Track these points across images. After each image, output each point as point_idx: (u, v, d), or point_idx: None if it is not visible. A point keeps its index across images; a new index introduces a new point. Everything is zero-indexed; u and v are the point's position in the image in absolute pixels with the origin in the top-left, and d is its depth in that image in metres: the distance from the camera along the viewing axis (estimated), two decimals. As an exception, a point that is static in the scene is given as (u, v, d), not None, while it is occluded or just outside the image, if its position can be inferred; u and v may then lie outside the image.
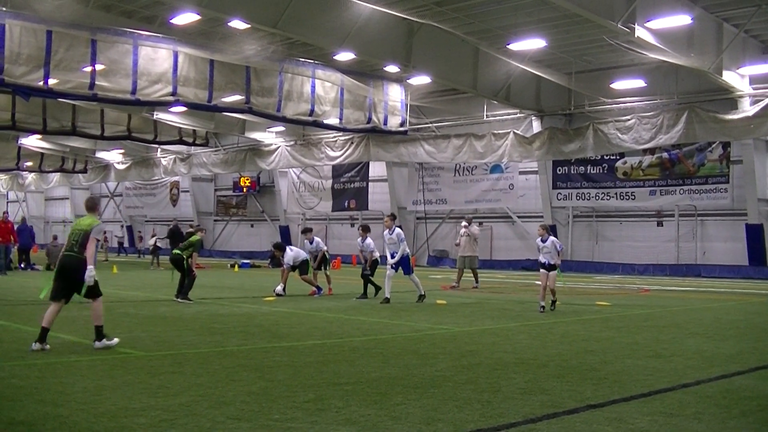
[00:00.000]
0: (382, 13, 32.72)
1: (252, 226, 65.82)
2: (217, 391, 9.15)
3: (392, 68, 39.71)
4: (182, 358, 11.67)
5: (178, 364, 11.07)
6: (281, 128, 52.84)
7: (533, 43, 33.43)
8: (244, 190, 63.60)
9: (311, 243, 26.14)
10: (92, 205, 13.55)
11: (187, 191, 69.78)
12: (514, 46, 33.90)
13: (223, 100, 37.44)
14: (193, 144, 57.05)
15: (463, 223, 31.56)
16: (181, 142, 55.56)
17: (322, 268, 26.12)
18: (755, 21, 32.56)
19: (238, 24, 33.13)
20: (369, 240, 25.08)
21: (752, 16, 31.84)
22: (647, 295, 27.15)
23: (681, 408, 8.65)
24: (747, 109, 35.66)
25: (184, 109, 42.99)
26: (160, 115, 48.67)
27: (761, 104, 35.01)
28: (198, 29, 35.68)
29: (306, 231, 27.66)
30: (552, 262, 20.24)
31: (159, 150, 65.31)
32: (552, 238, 20.47)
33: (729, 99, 36.34)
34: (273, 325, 16.24)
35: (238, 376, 10.19)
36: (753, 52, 35.25)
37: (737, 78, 35.20)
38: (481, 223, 31.56)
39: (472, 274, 30.62)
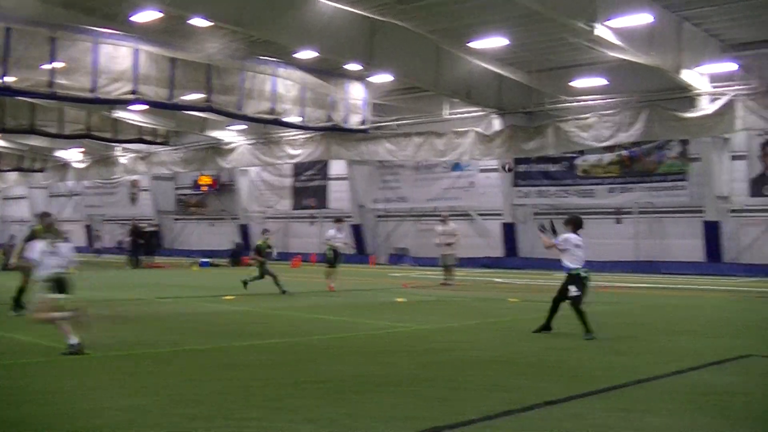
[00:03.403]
0: (344, 12, 32.70)
1: (212, 224, 65.50)
2: (176, 390, 9.12)
3: (354, 66, 39.67)
4: (140, 359, 11.63)
5: (136, 365, 11.03)
6: (242, 126, 52.64)
7: (495, 42, 33.49)
8: (204, 188, 63.23)
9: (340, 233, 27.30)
10: None
11: (147, 190, 69.33)
12: (476, 45, 33.96)
13: (184, 98, 37.27)
14: (154, 143, 56.80)
15: (440, 222, 31.66)
16: (141, 140, 55.31)
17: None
18: (715, 20, 32.80)
19: (199, 22, 32.97)
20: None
21: (712, 16, 32.07)
22: (606, 292, 27.26)
23: (637, 403, 8.73)
24: (706, 107, 35.92)
25: (144, 107, 42.77)
26: (120, 114, 48.41)
27: (720, 103, 35.28)
28: (159, 27, 35.42)
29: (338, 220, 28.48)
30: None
31: (119, 149, 64.85)
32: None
33: (688, 97, 36.55)
34: (233, 325, 16.22)
35: (197, 375, 10.16)
36: (712, 51, 35.48)
37: (696, 77, 35.44)
38: (444, 221, 31.48)
39: (443, 271, 30.58)
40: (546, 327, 15.05)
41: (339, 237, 26.78)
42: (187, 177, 65.28)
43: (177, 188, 68.26)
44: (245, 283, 24.94)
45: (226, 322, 16.64)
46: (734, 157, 38.63)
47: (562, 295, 15.14)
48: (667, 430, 7.57)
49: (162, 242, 63.30)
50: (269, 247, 26.38)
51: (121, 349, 12.45)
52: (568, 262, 15.07)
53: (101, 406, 8.29)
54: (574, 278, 14.93)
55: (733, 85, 35.54)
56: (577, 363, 11.55)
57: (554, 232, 15.68)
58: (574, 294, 14.73)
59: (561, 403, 8.70)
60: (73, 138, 52.91)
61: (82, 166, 70.51)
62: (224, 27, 33.60)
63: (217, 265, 46.01)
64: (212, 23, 32.93)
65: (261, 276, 24.97)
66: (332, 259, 26.64)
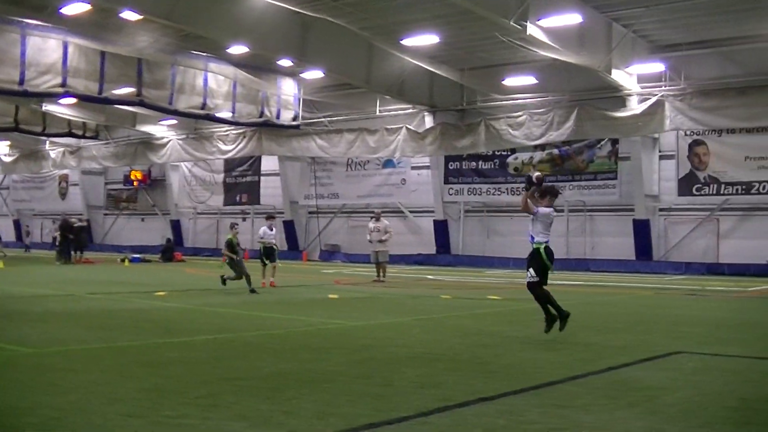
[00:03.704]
0: (276, 7, 32.60)
1: (143, 220, 65.02)
2: (108, 387, 9.01)
3: (286, 62, 39.63)
4: (72, 355, 11.48)
5: (68, 361, 10.88)
6: (173, 121, 52.31)
7: (427, 39, 33.63)
8: (135, 183, 62.73)
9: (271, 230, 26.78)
10: None
11: (77, 185, 68.55)
12: (408, 42, 34.05)
13: (115, 92, 36.95)
14: (83, 137, 56.19)
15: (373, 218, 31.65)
16: (70, 134, 54.71)
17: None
18: (644, 21, 33.19)
19: (130, 15, 32.70)
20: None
21: (641, 17, 32.46)
22: (537, 290, 27.46)
23: (570, 399, 8.78)
24: (635, 107, 36.42)
25: (74, 100, 42.35)
26: (49, 107, 47.82)
27: (648, 102, 35.80)
28: (89, 19, 35.03)
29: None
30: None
31: (48, 142, 64.06)
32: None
33: (618, 97, 37.02)
34: (165, 321, 16.07)
35: (130, 372, 10.05)
36: (641, 51, 35.93)
37: (626, 77, 35.88)
38: (376, 217, 31.49)
39: (375, 268, 30.58)
40: (551, 319, 13.98)
41: (271, 234, 26.68)
42: (117, 172, 64.72)
43: (107, 183, 67.65)
44: (223, 280, 24.01)
45: (158, 318, 16.49)
46: (663, 157, 39.27)
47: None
48: (600, 427, 7.63)
49: (92, 238, 62.62)
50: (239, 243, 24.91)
51: (51, 346, 12.28)
52: (535, 234, 14.03)
53: (33, 403, 8.16)
54: (535, 256, 13.97)
55: (662, 86, 36.12)
56: (511, 360, 11.60)
57: (535, 184, 14.26)
58: (531, 279, 13.93)
59: (495, 399, 8.73)
60: (0, 131, 52.16)
61: (9, 159, 69.60)
62: (155, 21, 33.35)
63: (148, 261, 45.62)
64: (143, 17, 32.64)
65: (240, 276, 23.70)
66: (265, 256, 26.46)
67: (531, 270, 13.94)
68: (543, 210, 13.93)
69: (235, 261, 23.78)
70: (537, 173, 14.10)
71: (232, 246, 23.88)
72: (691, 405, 8.66)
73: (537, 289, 13.92)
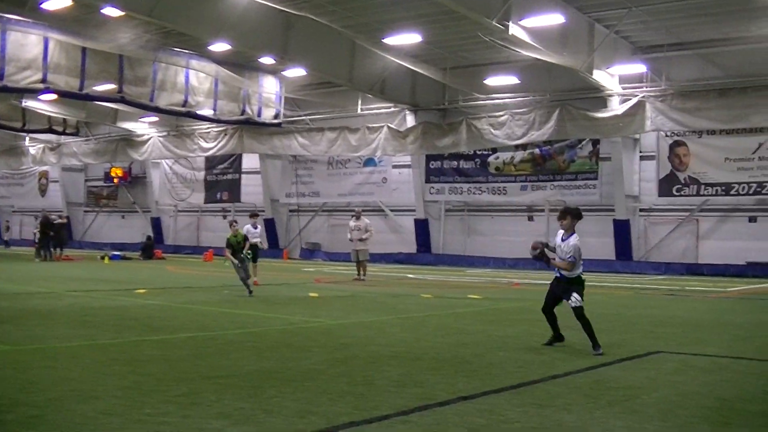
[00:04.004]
0: (258, 5, 32.54)
1: (123, 217, 64.79)
2: (88, 385, 8.99)
3: (268, 60, 39.55)
4: (53, 352, 11.46)
5: (48, 359, 10.86)
6: (154, 118, 52.15)
7: (409, 38, 33.64)
8: (116, 180, 62.45)
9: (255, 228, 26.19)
10: None
11: (57, 181, 68.25)
12: (391, 41, 34.05)
13: (95, 88, 36.84)
14: (63, 133, 55.95)
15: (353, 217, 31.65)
16: (50, 131, 54.47)
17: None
18: (626, 22, 33.26)
19: (111, 11, 32.52)
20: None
21: (623, 18, 32.51)
22: (518, 289, 27.54)
23: (551, 399, 8.82)
24: (616, 107, 36.53)
25: (54, 96, 42.10)
26: (29, 103, 47.64)
27: (630, 103, 35.92)
28: (70, 15, 34.87)
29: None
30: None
31: (27, 138, 63.77)
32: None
33: (599, 97, 37.12)
34: (146, 318, 16.05)
35: (110, 370, 10.04)
36: (623, 52, 36.05)
37: (607, 77, 35.99)
38: (357, 216, 31.50)
39: (356, 267, 30.57)
40: (557, 338, 13.20)
41: (254, 232, 26.60)
42: (98, 168, 64.48)
43: (87, 180, 67.38)
44: (249, 291, 22.15)
45: (139, 316, 16.46)
46: (644, 157, 39.40)
47: (555, 302, 13.23)
48: (580, 426, 7.67)
49: (72, 235, 62.41)
50: (242, 241, 22.78)
51: (31, 343, 12.25)
52: (577, 269, 13.09)
53: (13, 400, 8.15)
54: (580, 283, 13.08)
55: (643, 87, 36.27)
56: (491, 359, 11.64)
57: (546, 251, 13.39)
58: (578, 304, 12.70)
59: (475, 398, 8.76)
60: (-20, 127, 52.00)
61: (-12, 155, 69.22)
62: (137, 17, 33.21)
63: (128, 258, 45.47)
64: (124, 13, 32.51)
65: (245, 276, 22.31)
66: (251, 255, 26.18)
67: (576, 295, 12.88)
68: (571, 245, 12.97)
69: (233, 262, 22.36)
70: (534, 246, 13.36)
71: (230, 245, 22.39)
72: (670, 405, 8.71)
73: (582, 312, 12.78)
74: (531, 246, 13.28)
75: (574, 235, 13.01)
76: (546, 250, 13.38)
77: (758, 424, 7.92)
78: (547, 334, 13.29)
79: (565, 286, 13.04)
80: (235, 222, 24.24)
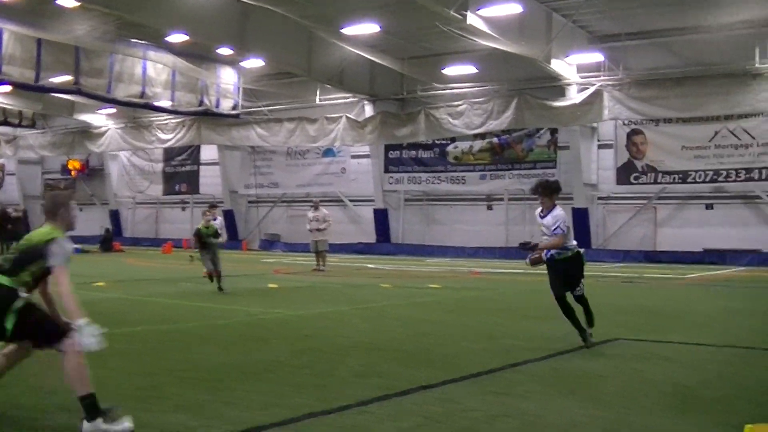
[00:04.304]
0: (215, -5, 32.44)
1: (81, 210, 63.68)
2: (46, 380, 8.86)
3: (226, 51, 39.35)
4: (8, 347, 11.31)
5: (3, 353, 10.72)
6: (112, 110, 51.76)
7: (367, 28, 33.55)
8: (73, 173, 61.86)
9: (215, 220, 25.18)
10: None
11: (13, 174, 67.58)
12: (348, 31, 33.95)
13: (52, 80, 36.52)
14: (20, 125, 55.36)
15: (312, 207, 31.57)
16: (6, 123, 53.87)
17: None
18: (583, 12, 33.39)
19: (67, 2, 32.19)
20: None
21: (580, 7, 32.65)
22: (478, 278, 27.59)
23: (511, 387, 8.83)
24: (574, 96, 36.68)
25: (9, 88, 41.70)
26: (-17, 95, 47.15)
27: (587, 92, 36.07)
28: (25, 6, 34.49)
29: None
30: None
31: (-18, 131, 63.20)
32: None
33: (557, 87, 37.24)
34: (105, 312, 15.86)
35: (67, 363, 9.92)
36: (580, 41, 36.19)
37: (565, 66, 36.11)
38: (316, 206, 31.44)
39: (315, 257, 30.47)
40: (582, 329, 11.76)
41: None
42: (55, 161, 63.85)
43: (45, 173, 66.67)
44: (219, 287, 20.79)
45: (97, 309, 16.18)
46: (602, 146, 39.58)
47: (566, 287, 11.76)
48: (540, 414, 7.67)
49: (29, 228, 61.82)
50: (212, 234, 21.60)
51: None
52: (568, 241, 12.03)
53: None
54: (581, 262, 12.06)
55: (600, 76, 36.41)
56: (450, 348, 11.64)
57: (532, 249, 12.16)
58: (581, 293, 11.76)
59: (435, 387, 8.75)
60: (-66, 120, 51.44)
61: (-56, 148, 68.40)
62: (93, 8, 32.92)
63: (87, 251, 45.09)
64: (80, 4, 32.20)
65: (213, 274, 21.00)
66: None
67: (582, 282, 11.81)
68: (555, 216, 11.88)
69: (202, 254, 21.35)
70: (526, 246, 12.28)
71: (200, 236, 21.35)
72: (630, 391, 8.74)
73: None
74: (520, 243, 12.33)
75: (557, 207, 11.95)
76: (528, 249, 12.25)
77: (717, 409, 7.95)
78: (506, 324, 13.28)
79: (564, 267, 11.81)
80: (207, 212, 22.83)
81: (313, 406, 7.76)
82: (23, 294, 7.00)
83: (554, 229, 11.69)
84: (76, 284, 20.01)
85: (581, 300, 11.79)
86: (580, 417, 7.56)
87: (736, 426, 7.12)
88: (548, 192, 11.99)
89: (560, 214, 11.78)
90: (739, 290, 23.61)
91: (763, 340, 12.86)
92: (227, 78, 43.31)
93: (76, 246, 37.69)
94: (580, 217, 38.73)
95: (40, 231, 7.38)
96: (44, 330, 6.87)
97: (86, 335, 6.79)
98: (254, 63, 40.94)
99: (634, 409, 7.93)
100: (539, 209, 12.15)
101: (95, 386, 6.93)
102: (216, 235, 21.86)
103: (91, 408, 6.81)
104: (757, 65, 33.13)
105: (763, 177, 35.23)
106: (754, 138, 35.49)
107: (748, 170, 35.52)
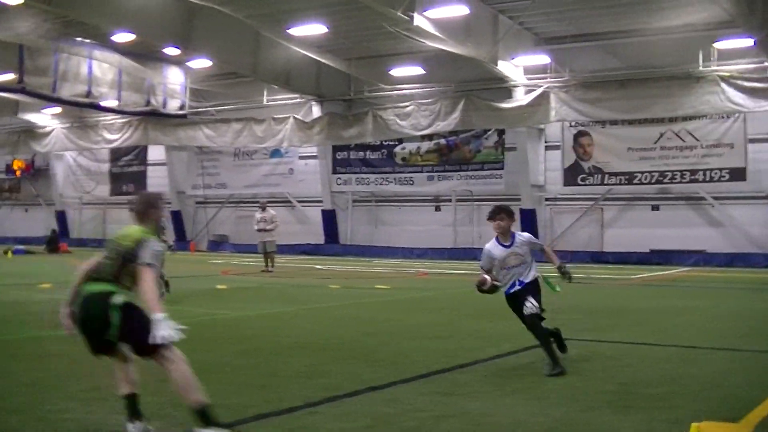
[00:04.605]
0: (161, -6, 32.27)
1: (26, 210, 63.59)
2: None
3: (172, 50, 39.13)
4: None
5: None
6: (57, 110, 51.30)
7: (314, 29, 33.55)
8: (18, 173, 61.25)
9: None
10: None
11: (-44, 174, 66.90)
12: (295, 31, 33.92)
13: (-6, 78, 36.14)
14: (-38, 125, 54.81)
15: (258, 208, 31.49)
16: (-52, 122, 53.33)
17: None
18: (529, 14, 33.57)
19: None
20: None
21: (526, 9, 32.83)
22: (425, 279, 27.69)
23: (458, 387, 8.89)
24: (521, 98, 36.88)
25: (-49, 87, 41.22)
26: (-76, 95, 46.53)
27: (534, 94, 36.28)
28: (-34, 4, 34.19)
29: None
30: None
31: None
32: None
33: (504, 88, 37.43)
34: (48, 313, 15.67)
35: (10, 367, 9.87)
36: (527, 43, 36.38)
37: (512, 68, 36.32)
38: (263, 207, 31.40)
39: (263, 258, 30.41)
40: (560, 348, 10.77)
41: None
42: (-1, 161, 63.20)
43: (-12, 172, 65.99)
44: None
45: (42, 310, 16.16)
46: (549, 147, 39.80)
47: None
48: (487, 413, 7.74)
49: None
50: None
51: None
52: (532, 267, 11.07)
53: None
54: (536, 284, 11.01)
55: (547, 78, 36.66)
56: (397, 349, 11.68)
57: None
58: (534, 310, 10.54)
59: (382, 388, 8.79)
60: None
61: None
62: (36, 6, 32.59)
63: (32, 252, 44.66)
64: (23, 1, 31.86)
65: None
66: None
67: (532, 298, 10.69)
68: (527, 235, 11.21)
69: None
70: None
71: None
72: (573, 390, 8.83)
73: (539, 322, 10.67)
74: (478, 282, 10.81)
75: (514, 231, 10.90)
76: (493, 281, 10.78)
77: (657, 406, 8.06)
78: (452, 324, 13.34)
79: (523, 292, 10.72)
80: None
81: (260, 407, 7.78)
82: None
83: (536, 243, 11.18)
84: (20, 285, 19.85)
85: (533, 328, 10.49)
86: (524, 416, 7.63)
87: (676, 422, 7.24)
88: (511, 215, 10.93)
89: (524, 233, 11.12)
90: (683, 290, 23.88)
91: (704, 339, 13.04)
92: (174, 78, 43.07)
93: (20, 247, 37.31)
94: (528, 218, 38.92)
95: (132, 232, 7.27)
96: (146, 327, 6.78)
97: (165, 328, 6.76)
98: (201, 63, 40.78)
99: (577, 406, 8.02)
100: (495, 241, 10.89)
101: (37, 389, 6.89)
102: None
103: (205, 418, 6.84)
104: (700, 68, 33.51)
105: (707, 179, 35.62)
106: (698, 140, 35.88)
107: (693, 172, 35.91)
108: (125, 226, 7.35)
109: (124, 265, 7.03)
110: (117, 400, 7.86)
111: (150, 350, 6.91)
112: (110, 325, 6.92)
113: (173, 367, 6.92)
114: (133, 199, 7.64)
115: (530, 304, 10.45)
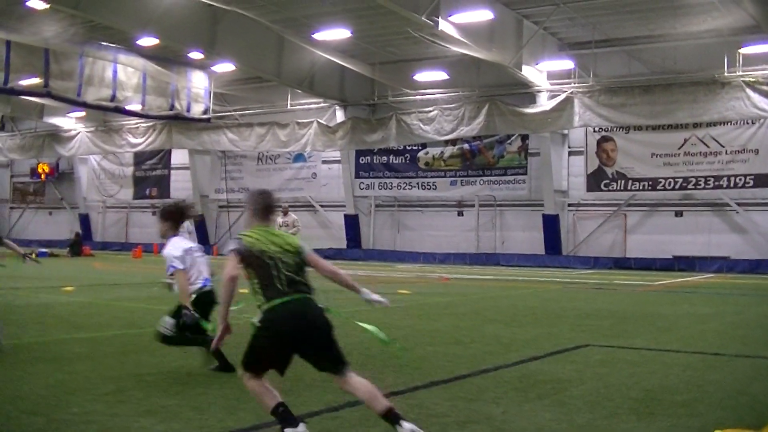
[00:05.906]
0: (185, -1, 32.37)
1: (50, 213, 63.92)
2: (12, 385, 8.84)
3: (196, 55, 39.27)
4: (-26, 352, 11.26)
5: (-30, 358, 10.67)
6: (82, 114, 51.55)
7: (338, 33, 33.63)
8: (42, 176, 61.54)
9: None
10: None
11: (-19, 177, 67.29)
12: (319, 36, 33.99)
13: (20, 82, 36.32)
14: (-12, 128, 55.11)
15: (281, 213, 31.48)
16: (-26, 126, 53.62)
17: None
18: (553, 19, 33.58)
19: (36, 3, 32.09)
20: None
21: (551, 14, 32.84)
22: (447, 284, 27.61)
23: (480, 393, 8.85)
24: (544, 103, 36.85)
25: (-23, 91, 41.45)
26: (-49, 97, 46.83)
27: (558, 99, 36.24)
28: (-7, 8, 34.42)
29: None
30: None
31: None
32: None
33: (528, 93, 37.43)
34: (72, 316, 15.84)
35: (35, 369, 9.88)
36: (551, 48, 36.38)
37: (536, 73, 36.29)
38: (285, 212, 31.41)
39: None
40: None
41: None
42: (24, 164, 63.49)
43: (13, 176, 66.31)
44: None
45: (65, 313, 16.24)
46: (572, 153, 39.77)
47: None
48: (509, 419, 7.70)
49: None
50: None
51: (-47, 342, 12.01)
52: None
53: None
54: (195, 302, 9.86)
55: (571, 83, 36.61)
56: (420, 354, 11.64)
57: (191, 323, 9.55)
58: (167, 330, 9.70)
59: (405, 393, 8.78)
60: None
61: None
62: (62, 10, 32.81)
63: (56, 256, 44.79)
64: (49, 6, 32.05)
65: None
66: None
67: (170, 319, 9.83)
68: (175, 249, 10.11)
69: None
70: None
71: None
72: (597, 396, 8.78)
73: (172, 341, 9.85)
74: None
75: (171, 239, 10.21)
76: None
77: (682, 413, 8.01)
78: (474, 329, 13.30)
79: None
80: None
81: (282, 410, 7.76)
82: None
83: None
84: (44, 288, 19.89)
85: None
86: (547, 422, 7.60)
87: (701, 429, 7.20)
88: (164, 218, 10.39)
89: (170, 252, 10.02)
90: (707, 296, 23.74)
91: (728, 345, 12.95)
92: (198, 82, 43.20)
93: (44, 250, 37.29)
94: (550, 224, 38.93)
95: (285, 236, 7.52)
96: None
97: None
98: (225, 67, 40.92)
99: (601, 413, 7.98)
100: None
101: (61, 391, 6.90)
102: None
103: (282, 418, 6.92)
104: (725, 73, 33.39)
105: (732, 185, 35.52)
106: (722, 146, 35.78)
107: (717, 178, 35.81)
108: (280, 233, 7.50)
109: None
110: (140, 402, 7.88)
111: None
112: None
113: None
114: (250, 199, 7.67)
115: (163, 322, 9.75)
